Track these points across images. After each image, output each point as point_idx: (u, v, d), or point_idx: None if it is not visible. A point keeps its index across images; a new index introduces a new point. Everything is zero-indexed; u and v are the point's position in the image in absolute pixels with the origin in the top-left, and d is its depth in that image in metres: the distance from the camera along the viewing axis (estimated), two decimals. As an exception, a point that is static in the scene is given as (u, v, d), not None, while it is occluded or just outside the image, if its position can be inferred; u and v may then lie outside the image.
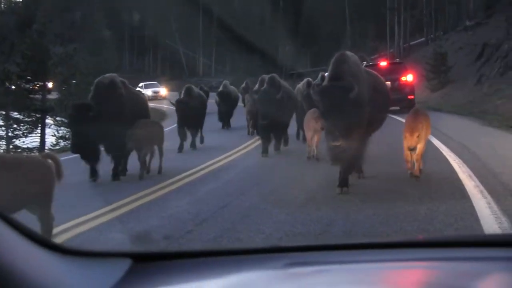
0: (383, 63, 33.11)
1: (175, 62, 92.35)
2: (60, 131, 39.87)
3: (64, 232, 8.69)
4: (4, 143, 39.83)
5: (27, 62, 41.10)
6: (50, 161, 7.40)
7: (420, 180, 11.19)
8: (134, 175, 13.76)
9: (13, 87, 41.53)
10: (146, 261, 2.64)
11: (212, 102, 28.64)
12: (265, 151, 16.52)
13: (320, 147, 14.20)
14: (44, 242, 2.30)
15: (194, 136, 19.90)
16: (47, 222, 7.16)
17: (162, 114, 39.41)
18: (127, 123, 13.41)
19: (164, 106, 33.79)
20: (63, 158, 13.14)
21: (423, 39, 61.58)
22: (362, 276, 2.34)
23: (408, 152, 11.23)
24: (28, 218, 6.82)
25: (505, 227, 7.50)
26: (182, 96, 19.67)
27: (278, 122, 16.55)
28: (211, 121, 26.70)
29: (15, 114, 41.09)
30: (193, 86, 20.50)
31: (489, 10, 48.94)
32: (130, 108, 13.96)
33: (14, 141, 39.97)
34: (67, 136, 36.16)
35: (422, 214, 8.49)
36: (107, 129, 12.95)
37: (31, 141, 40.64)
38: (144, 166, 13.81)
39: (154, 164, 14.21)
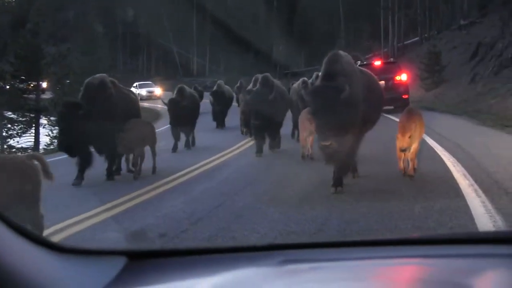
0: (377, 63, 33.08)
1: (169, 62, 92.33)
2: (54, 131, 39.78)
3: (59, 231, 8.68)
4: (-2, 142, 39.82)
5: (20, 61, 41.05)
6: (35, 162, 7.38)
7: (414, 179, 11.20)
8: (128, 175, 13.75)
9: (7, 86, 41.48)
10: (141, 259, 2.65)
11: (206, 102, 28.65)
12: (259, 151, 16.50)
13: (314, 147, 14.18)
14: (40, 240, 2.31)
15: (187, 136, 19.88)
16: (37, 222, 7.14)
17: (156, 114, 39.37)
18: (118, 123, 13.33)
19: (159, 106, 33.76)
20: (57, 158, 13.12)
21: (417, 38, 61.59)
22: (356, 273, 2.34)
23: (402, 153, 11.21)
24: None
25: (499, 226, 7.51)
26: (174, 95, 19.64)
27: (271, 122, 16.50)
28: (206, 120, 26.69)
29: (9, 114, 41.04)
30: (185, 86, 20.46)
31: (483, 9, 49.05)
32: (121, 108, 13.90)
33: (8, 141, 39.92)
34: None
35: (416, 213, 8.50)
36: (97, 129, 12.89)
37: (25, 141, 40.60)
38: (137, 167, 13.75)
39: (148, 165, 14.16)
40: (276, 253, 2.66)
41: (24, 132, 40.80)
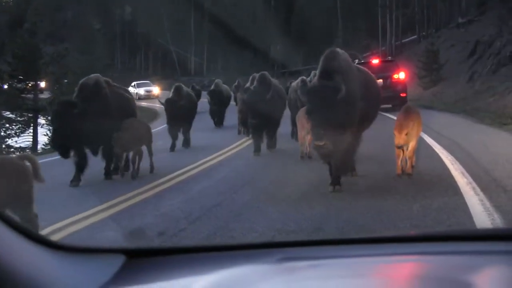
0: (375, 61, 33.10)
1: (167, 61, 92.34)
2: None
3: (57, 231, 8.69)
4: (-4, 142, 39.80)
5: (18, 61, 41.03)
6: (27, 162, 7.37)
7: (412, 177, 11.20)
8: (127, 174, 13.73)
9: (6, 86, 41.47)
10: (139, 257, 2.65)
11: (204, 101, 28.64)
12: (257, 150, 16.48)
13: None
14: (38, 239, 2.31)
15: (185, 135, 19.86)
16: (31, 221, 7.14)
17: (154, 113, 39.38)
18: (112, 123, 13.26)
19: (157, 105, 33.76)
20: (55, 157, 13.12)
21: (415, 36, 61.56)
22: (355, 270, 2.35)
23: (400, 151, 11.16)
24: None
25: (497, 224, 7.51)
26: (171, 95, 19.63)
27: (269, 121, 16.47)
28: (204, 120, 26.69)
29: (7, 114, 41.02)
30: (182, 85, 20.44)
31: (482, 7, 48.98)
32: (115, 107, 13.86)
33: (7, 141, 39.89)
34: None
35: (415, 212, 8.50)
36: (91, 128, 12.82)
37: (24, 140, 40.58)
38: (134, 166, 13.71)
39: (145, 164, 14.14)
40: (274, 250, 2.66)
41: (22, 132, 40.79)
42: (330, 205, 9.42)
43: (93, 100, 13.34)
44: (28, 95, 41.54)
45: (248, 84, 18.28)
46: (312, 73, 18.64)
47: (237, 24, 68.05)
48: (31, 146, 39.61)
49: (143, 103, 50.76)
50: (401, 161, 11.31)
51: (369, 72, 12.48)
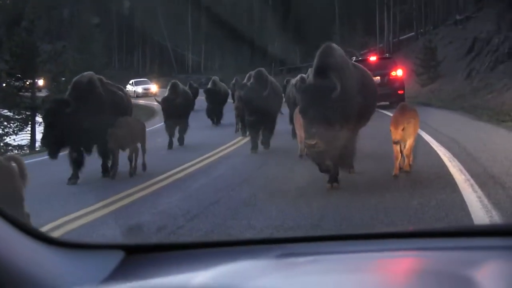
0: (373, 58, 33.09)
1: (164, 59, 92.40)
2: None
3: (55, 229, 8.69)
4: (-6, 140, 39.83)
5: (15, 59, 41.06)
6: (13, 163, 7.34)
7: (410, 174, 11.18)
8: (124, 172, 13.70)
9: (4, 84, 41.48)
10: (138, 253, 2.65)
11: (201, 99, 28.63)
12: (254, 147, 16.46)
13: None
14: (38, 235, 2.32)
15: (181, 133, 19.81)
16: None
17: (152, 111, 39.38)
18: (106, 121, 13.12)
19: (155, 103, 33.89)
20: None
21: (412, 33, 61.60)
22: (354, 265, 2.34)
23: (398, 148, 11.11)
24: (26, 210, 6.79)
25: (495, 220, 7.50)
26: (167, 93, 19.60)
27: (266, 118, 16.44)
28: (201, 118, 26.70)
29: (5, 112, 41.05)
30: (178, 83, 20.41)
31: (479, 3, 48.99)
32: (109, 106, 13.79)
33: (5, 139, 39.94)
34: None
35: (413, 209, 8.49)
36: (85, 127, 12.80)
37: (21, 138, 40.61)
38: (131, 164, 13.66)
39: (140, 162, 14.12)
40: (273, 246, 2.66)
41: (20, 130, 40.85)
42: (328, 202, 9.41)
43: (86, 98, 13.27)
44: (26, 93, 41.56)
45: (245, 81, 18.24)
46: (309, 70, 18.61)
47: (235, 22, 68.11)
48: (29, 144, 39.63)
49: (141, 101, 50.74)
50: (398, 162, 11.25)
51: (365, 68, 12.42)
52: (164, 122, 19.37)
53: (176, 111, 18.81)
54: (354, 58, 33.88)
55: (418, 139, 12.74)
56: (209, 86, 28.08)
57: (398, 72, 30.53)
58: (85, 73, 14.21)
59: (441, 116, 24.08)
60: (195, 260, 2.57)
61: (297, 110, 14.86)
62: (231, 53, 79.85)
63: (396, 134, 10.75)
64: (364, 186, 10.54)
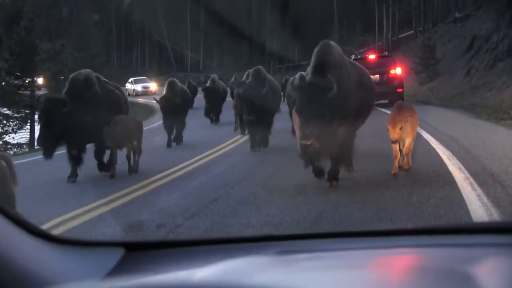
0: (372, 56, 33.07)
1: (163, 58, 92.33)
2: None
3: (55, 227, 8.70)
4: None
5: (15, 58, 41.10)
6: (3, 163, 7.32)
7: (409, 173, 11.18)
8: (124, 171, 13.69)
9: (3, 83, 41.50)
10: (138, 250, 2.66)
11: (200, 97, 28.60)
12: (253, 146, 16.44)
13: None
14: (38, 232, 2.34)
15: (178, 131, 19.78)
16: None
17: (151, 109, 39.37)
18: (103, 120, 13.04)
19: (154, 101, 33.98)
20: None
21: (411, 31, 61.57)
22: (353, 262, 2.35)
23: (397, 147, 11.06)
24: (24, 209, 6.79)
25: (495, 219, 7.50)
26: (165, 91, 19.56)
27: (264, 116, 16.40)
28: (200, 116, 26.69)
29: (4, 110, 41.08)
30: (176, 81, 20.38)
31: (478, 1, 48.94)
32: (106, 104, 13.70)
33: (4, 137, 39.96)
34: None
35: (412, 207, 8.49)
36: (80, 125, 12.76)
37: (21, 137, 40.63)
38: (130, 162, 13.60)
39: (141, 162, 14.09)
40: (272, 244, 2.68)
41: (19, 128, 40.89)
42: (327, 200, 9.42)
43: (83, 95, 13.21)
44: (25, 92, 41.58)
45: (243, 79, 18.22)
46: (308, 68, 18.57)
47: (234, 20, 68.09)
48: (28, 142, 39.64)
49: (140, 100, 50.74)
50: (398, 161, 11.21)
51: (362, 67, 12.37)
52: (163, 120, 19.36)
53: (174, 109, 18.78)
54: (353, 56, 33.86)
55: (417, 137, 12.72)
56: (207, 84, 28.05)
57: (397, 71, 30.50)
58: (83, 70, 14.17)
59: (440, 114, 24.07)
60: (195, 257, 2.58)
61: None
62: (230, 52, 79.90)
63: (394, 134, 10.67)
64: (363, 184, 10.53)
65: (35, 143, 37.94)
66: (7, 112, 41.04)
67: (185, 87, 22.07)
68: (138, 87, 60.87)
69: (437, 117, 21.69)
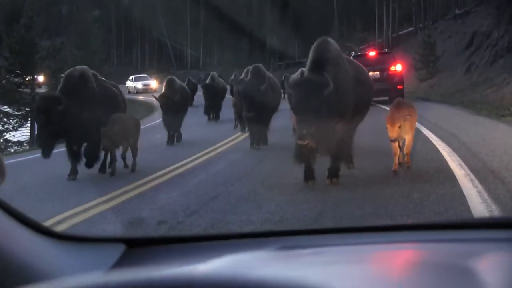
0: (372, 53, 33.07)
1: (163, 55, 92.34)
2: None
3: (56, 224, 8.67)
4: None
5: (15, 56, 41.10)
6: None
7: (410, 169, 11.17)
8: (123, 168, 13.67)
9: (4, 81, 41.51)
10: (139, 246, 2.66)
11: (200, 94, 28.58)
12: (253, 143, 16.40)
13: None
14: (40, 228, 2.34)
15: (178, 128, 19.73)
16: None
17: (151, 107, 39.33)
18: (99, 117, 12.95)
19: (154, 99, 34.05)
20: (53, 151, 13.04)
21: (412, 28, 61.56)
22: (354, 257, 2.35)
23: (396, 144, 11.00)
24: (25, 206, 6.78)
25: (495, 215, 7.50)
26: (164, 89, 19.54)
27: (264, 113, 16.36)
28: (200, 113, 26.69)
29: (4, 108, 41.10)
30: (175, 78, 20.33)
31: (479, -2, 48.99)
32: (102, 101, 13.53)
33: (4, 135, 39.98)
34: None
35: (412, 204, 8.49)
36: (77, 122, 12.70)
37: (21, 134, 40.64)
38: (125, 161, 13.53)
39: (141, 159, 14.06)
40: (273, 239, 2.68)
41: (20, 126, 40.90)
42: (327, 198, 9.42)
43: (79, 91, 13.08)
44: (26, 90, 41.59)
45: (242, 77, 18.19)
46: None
47: (233, 18, 68.12)
48: (28, 140, 39.65)
49: (141, 97, 50.74)
50: (398, 158, 11.17)
51: (360, 64, 12.30)
52: (162, 118, 19.35)
53: (173, 107, 18.74)
54: (353, 53, 33.86)
55: (418, 134, 12.72)
56: (207, 81, 28.04)
57: (397, 67, 30.49)
58: (78, 66, 14.07)
59: (440, 111, 24.07)
60: (197, 252, 2.59)
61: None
62: (230, 49, 79.90)
63: (393, 132, 10.58)
64: (363, 181, 10.52)
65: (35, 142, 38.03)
66: (8, 110, 41.04)
67: (184, 84, 22.02)
68: (139, 85, 60.84)
69: (438, 113, 21.68)
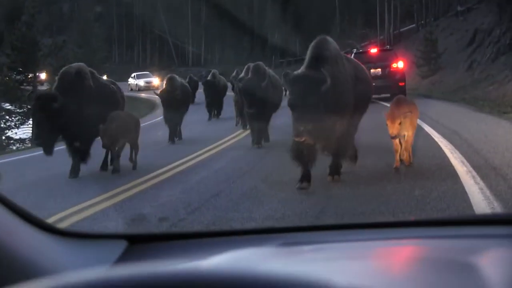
0: (374, 50, 33.04)
1: (164, 52, 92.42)
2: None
3: (59, 221, 8.70)
4: (-4, 134, 39.85)
5: (17, 53, 41.11)
6: None
7: (412, 166, 11.16)
8: (125, 166, 13.66)
9: (7, 78, 41.51)
10: (141, 242, 2.67)
11: (201, 92, 28.57)
12: (254, 141, 16.37)
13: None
14: (42, 225, 2.34)
15: (178, 126, 19.72)
16: None
17: (153, 104, 39.32)
18: (96, 115, 12.76)
19: (156, 96, 34.10)
20: (56, 148, 13.04)
21: (413, 25, 61.58)
22: (356, 253, 2.36)
23: (397, 141, 10.96)
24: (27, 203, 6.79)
25: (497, 212, 7.50)
26: (165, 86, 19.54)
27: (265, 110, 16.36)
28: (202, 111, 26.69)
29: (6, 105, 41.09)
30: (175, 76, 20.31)
31: (480, -6, 48.92)
32: (99, 100, 13.34)
33: (7, 132, 39.96)
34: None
35: (414, 201, 8.49)
36: (72, 121, 12.59)
37: (23, 132, 40.63)
38: (118, 160, 13.44)
39: (143, 156, 14.06)
40: (275, 236, 2.69)
41: (22, 124, 40.85)
42: (329, 195, 9.42)
43: (75, 89, 12.93)
44: (28, 87, 41.59)
45: (242, 74, 18.19)
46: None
47: (235, 14, 68.10)
48: (30, 137, 39.62)
49: (143, 95, 50.74)
50: (399, 155, 11.14)
51: (359, 63, 12.25)
52: (163, 115, 19.34)
53: (174, 103, 18.71)
54: (355, 50, 33.83)
55: (419, 130, 12.71)
56: (208, 78, 28.02)
57: (399, 64, 30.46)
58: (74, 64, 13.97)
59: (442, 108, 24.06)
60: (199, 249, 2.59)
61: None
62: (232, 46, 80.00)
63: (393, 129, 10.51)
64: (365, 178, 10.51)
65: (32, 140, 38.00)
66: (10, 107, 41.02)
67: (185, 82, 22.02)
68: (141, 82, 60.84)
69: (439, 110, 21.69)
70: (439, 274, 1.83)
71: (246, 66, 18.38)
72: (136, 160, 13.63)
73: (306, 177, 9.96)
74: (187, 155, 14.86)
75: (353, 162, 11.37)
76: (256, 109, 15.89)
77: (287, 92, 10.42)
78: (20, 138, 39.50)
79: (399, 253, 2.40)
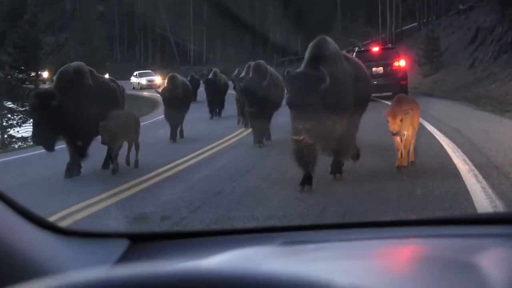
0: (375, 49, 33.01)
1: (166, 51, 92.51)
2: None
3: (61, 219, 8.69)
4: (-2, 132, 39.88)
5: (19, 52, 41.16)
6: None
7: (413, 165, 11.15)
8: (125, 165, 13.63)
9: (9, 77, 41.55)
10: (143, 241, 2.67)
11: (203, 90, 28.57)
12: (255, 140, 16.35)
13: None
14: (44, 224, 2.34)
15: (180, 124, 19.71)
16: None
17: (155, 103, 39.35)
18: (95, 113, 12.66)
19: (157, 94, 34.14)
20: (57, 146, 13.05)
21: (415, 24, 61.50)
22: (359, 252, 2.36)
23: (399, 140, 10.92)
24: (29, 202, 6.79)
25: (500, 211, 7.49)
26: (166, 85, 19.53)
27: (267, 109, 16.34)
28: (203, 109, 26.68)
29: (8, 104, 41.12)
30: (177, 75, 20.32)
31: (482, -8, 48.89)
32: (99, 98, 13.26)
33: (9, 131, 39.99)
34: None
35: (416, 200, 8.49)
36: (70, 120, 12.52)
37: (25, 130, 40.66)
38: (116, 160, 13.38)
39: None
40: (277, 235, 2.68)
41: (24, 122, 40.87)
42: (330, 193, 9.42)
43: (73, 88, 12.90)
44: (30, 85, 41.62)
45: (243, 73, 18.17)
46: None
47: (237, 13, 68.14)
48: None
49: (145, 93, 50.80)
50: (400, 154, 11.09)
51: (359, 62, 12.21)
52: (164, 113, 19.33)
53: (175, 102, 18.70)
54: (356, 48, 33.82)
55: (421, 129, 12.71)
56: (209, 77, 28.00)
57: (401, 63, 30.43)
58: (73, 63, 13.94)
59: (444, 106, 24.04)
60: (201, 247, 2.59)
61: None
62: (233, 45, 79.96)
63: (394, 126, 10.46)
64: (367, 177, 10.50)
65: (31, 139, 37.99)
66: (12, 105, 41.05)
67: (186, 80, 22.01)
68: (143, 81, 60.89)
69: (441, 109, 21.68)
70: (441, 274, 1.83)
71: (247, 65, 18.37)
72: (137, 159, 13.60)
73: (307, 180, 9.89)
74: (189, 154, 14.86)
75: (355, 160, 11.35)
76: (257, 108, 15.88)
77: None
78: (22, 136, 39.52)
79: (401, 252, 2.40)
